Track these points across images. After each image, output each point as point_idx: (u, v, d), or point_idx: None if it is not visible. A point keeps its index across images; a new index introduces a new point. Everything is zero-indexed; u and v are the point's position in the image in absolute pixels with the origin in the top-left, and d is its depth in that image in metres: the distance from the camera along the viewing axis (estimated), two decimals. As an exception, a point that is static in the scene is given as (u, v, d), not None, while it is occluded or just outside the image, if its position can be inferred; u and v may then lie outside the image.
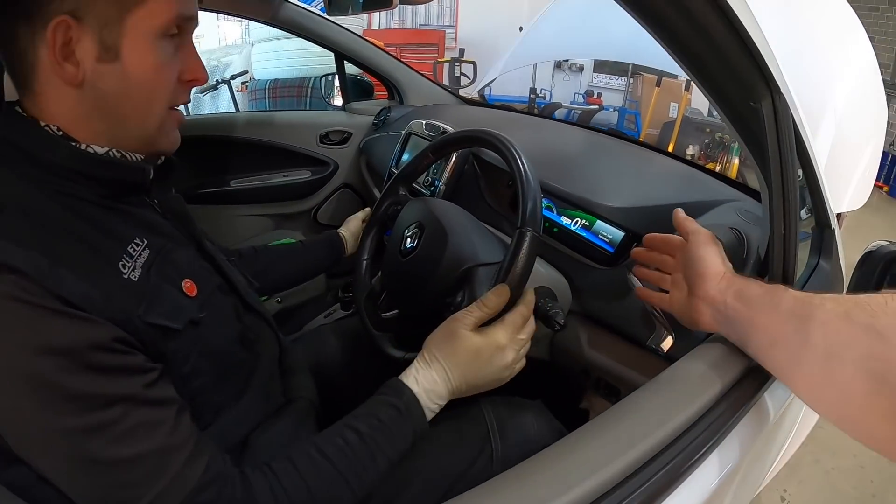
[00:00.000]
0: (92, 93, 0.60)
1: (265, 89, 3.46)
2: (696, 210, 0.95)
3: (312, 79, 3.21)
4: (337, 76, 2.09)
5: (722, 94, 0.66)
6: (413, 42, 5.40)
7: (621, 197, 1.03)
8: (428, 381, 0.70)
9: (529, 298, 0.74)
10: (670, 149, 3.56)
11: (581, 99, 4.77)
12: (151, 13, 0.60)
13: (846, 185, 1.07)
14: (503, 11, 5.08)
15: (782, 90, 0.65)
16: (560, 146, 1.35)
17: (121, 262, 0.58)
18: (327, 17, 1.85)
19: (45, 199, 0.56)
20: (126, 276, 0.57)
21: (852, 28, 1.22)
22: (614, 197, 1.03)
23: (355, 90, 2.15)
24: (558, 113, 4.04)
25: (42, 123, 0.60)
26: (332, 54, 1.99)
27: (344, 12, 1.30)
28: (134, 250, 0.60)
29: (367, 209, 1.30)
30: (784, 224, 0.70)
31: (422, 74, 2.08)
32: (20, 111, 0.61)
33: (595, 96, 4.61)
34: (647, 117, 3.90)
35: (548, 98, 5.00)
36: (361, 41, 1.97)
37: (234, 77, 3.70)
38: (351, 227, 1.24)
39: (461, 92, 2.16)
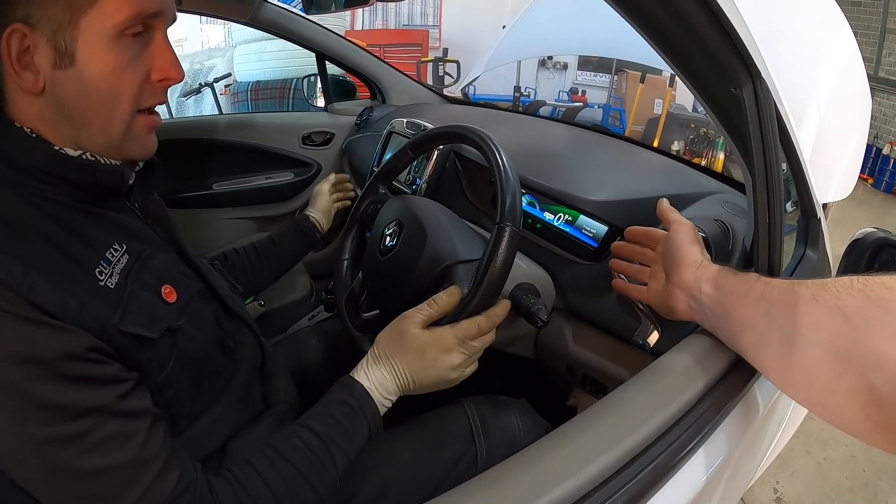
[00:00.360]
0: (53, 99, 0.58)
1: (247, 91, 3.43)
2: (680, 202, 0.94)
3: (295, 80, 3.19)
4: (319, 77, 2.07)
5: (702, 81, 0.65)
6: (396, 42, 5.38)
7: (604, 191, 1.02)
8: (377, 376, 0.69)
9: (497, 312, 0.72)
10: (655, 144, 3.57)
11: (566, 97, 4.78)
12: (105, 13, 0.57)
13: (831, 175, 1.07)
14: (486, 10, 5.08)
15: (763, 76, 0.64)
16: (543, 142, 1.34)
17: (97, 269, 0.56)
18: (308, 16, 1.83)
19: (20, 203, 0.55)
20: (103, 283, 0.56)
21: (836, 21, 1.22)
22: (597, 191, 1.02)
23: (337, 90, 2.12)
24: (543, 110, 4.04)
25: (17, 125, 0.58)
26: (314, 55, 1.97)
27: (323, 10, 1.28)
28: (112, 256, 0.58)
29: (331, 176, 1.32)
30: (769, 212, 0.69)
31: (404, 74, 2.06)
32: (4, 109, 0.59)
33: (580, 94, 4.61)
34: (632, 114, 3.91)
35: (532, 96, 4.99)
36: (343, 41, 1.95)
37: (217, 80, 3.66)
38: (319, 205, 1.24)
39: (445, 91, 2.15)
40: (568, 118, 3.96)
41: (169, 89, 0.67)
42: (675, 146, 3.71)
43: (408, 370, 0.69)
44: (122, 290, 0.57)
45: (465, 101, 2.16)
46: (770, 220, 0.69)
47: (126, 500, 0.51)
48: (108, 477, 0.51)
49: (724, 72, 0.62)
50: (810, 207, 0.95)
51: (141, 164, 0.69)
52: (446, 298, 0.71)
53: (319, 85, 2.12)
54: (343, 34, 2.05)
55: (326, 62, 1.99)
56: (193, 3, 1.65)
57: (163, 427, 0.57)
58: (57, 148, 0.59)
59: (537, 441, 0.56)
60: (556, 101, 4.79)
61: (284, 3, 1.87)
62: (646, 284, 0.80)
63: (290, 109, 3.20)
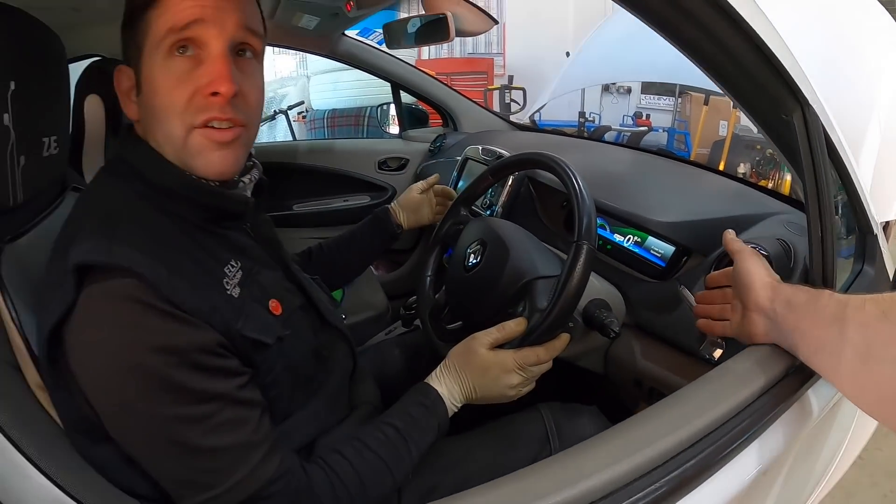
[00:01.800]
0: (142, 126, 0.68)
1: (324, 119, 3.64)
2: (744, 223, 0.99)
3: (369, 108, 3.36)
4: (393, 105, 2.22)
5: (755, 109, 0.72)
6: (463, 70, 5.53)
7: (671, 213, 1.08)
8: (448, 384, 0.79)
9: (556, 346, 0.81)
10: (721, 167, 3.54)
11: (630, 121, 4.79)
12: (155, 38, 0.63)
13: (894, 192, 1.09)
14: (549, 38, 5.17)
15: (811, 102, 0.70)
16: (611, 167, 1.41)
17: (224, 280, 0.65)
18: (383, 49, 1.98)
19: (159, 216, 0.64)
20: (228, 293, 0.65)
21: (893, 34, 1.24)
22: (664, 213, 1.08)
23: (411, 118, 2.26)
24: (608, 136, 4.06)
25: (152, 145, 0.67)
26: (389, 84, 2.12)
27: (401, 45, 1.41)
28: (230, 271, 0.67)
29: (433, 179, 1.26)
30: (821, 227, 0.74)
31: (474, 102, 2.17)
32: (135, 132, 0.69)
33: (644, 118, 4.61)
34: (697, 137, 3.90)
35: (597, 122, 5.02)
36: (416, 71, 2.09)
37: (290, 108, 3.89)
38: (403, 201, 1.23)
39: (512, 118, 2.25)
40: (633, 143, 3.97)
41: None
42: (742, 168, 3.66)
43: (472, 383, 0.79)
44: (243, 301, 0.66)
45: (533, 127, 2.25)
46: (822, 234, 0.74)
47: (235, 477, 0.60)
48: (223, 455, 0.60)
49: (773, 100, 0.68)
50: (866, 225, 0.98)
51: (251, 182, 0.77)
52: (514, 327, 0.81)
53: (393, 113, 2.25)
54: (413, 64, 2.18)
55: (400, 91, 2.13)
56: (279, 38, 1.83)
57: (268, 417, 0.66)
58: (188, 173, 0.66)
59: (605, 431, 0.62)
60: (620, 125, 4.80)
61: (362, 36, 2.02)
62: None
63: (364, 136, 3.37)
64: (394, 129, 2.31)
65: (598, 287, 1.06)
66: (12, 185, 0.64)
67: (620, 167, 1.42)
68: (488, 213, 1.40)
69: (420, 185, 1.24)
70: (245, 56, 0.68)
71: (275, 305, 0.72)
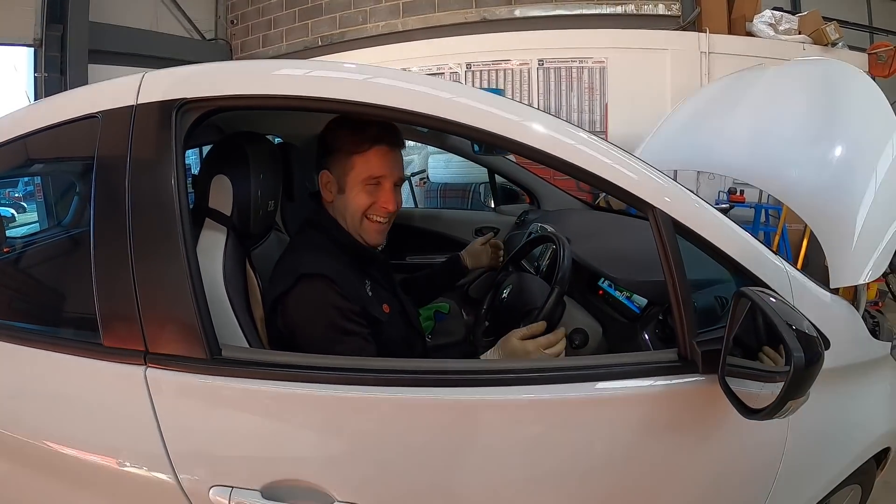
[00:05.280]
0: (335, 208, 1.30)
1: (438, 190, 4.30)
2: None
3: (473, 185, 3.98)
4: (490, 185, 2.80)
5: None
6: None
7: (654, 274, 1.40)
8: (490, 357, 1.24)
9: (559, 335, 1.23)
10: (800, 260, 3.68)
11: (725, 197, 4.95)
12: (358, 174, 1.24)
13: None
14: (650, 117, 5.50)
15: (656, 204, 1.02)
16: (631, 242, 1.78)
17: (366, 287, 1.26)
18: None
19: (338, 253, 1.26)
20: (366, 292, 1.25)
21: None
22: (647, 274, 1.43)
23: (504, 195, 2.82)
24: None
25: (338, 220, 1.29)
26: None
27: (488, 154, 1.99)
28: (367, 284, 1.28)
29: (483, 237, 1.92)
30: (677, 290, 1.03)
31: (554, 185, 2.68)
32: (324, 207, 1.32)
33: (738, 193, 4.76)
34: (784, 212, 4.07)
35: (693, 197, 5.15)
36: (505, 161, 2.65)
37: (414, 174, 4.60)
38: (469, 250, 1.87)
39: (601, 197, 2.73)
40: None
41: None
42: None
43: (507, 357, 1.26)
44: (371, 299, 1.26)
45: (607, 208, 2.65)
46: (679, 297, 1.03)
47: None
48: (359, 351, 1.15)
49: (633, 203, 1.10)
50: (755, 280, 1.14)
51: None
52: (535, 327, 1.25)
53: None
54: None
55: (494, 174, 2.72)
56: (410, 135, 2.46)
57: (374, 351, 1.19)
58: (354, 237, 1.29)
59: None
60: (716, 202, 4.96)
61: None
62: None
63: (468, 208, 3.97)
64: (491, 203, 2.89)
65: (580, 320, 1.50)
66: (253, 224, 1.27)
67: (637, 241, 1.71)
68: (534, 268, 1.89)
69: (481, 239, 1.90)
70: (396, 188, 1.31)
71: (385, 307, 1.31)
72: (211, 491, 0.95)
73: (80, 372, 1.01)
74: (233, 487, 0.95)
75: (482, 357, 1.25)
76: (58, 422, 1.02)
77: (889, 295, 4.37)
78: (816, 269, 1.24)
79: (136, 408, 0.96)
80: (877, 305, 3.59)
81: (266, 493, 0.95)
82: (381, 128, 1.25)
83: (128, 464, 0.99)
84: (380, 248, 1.37)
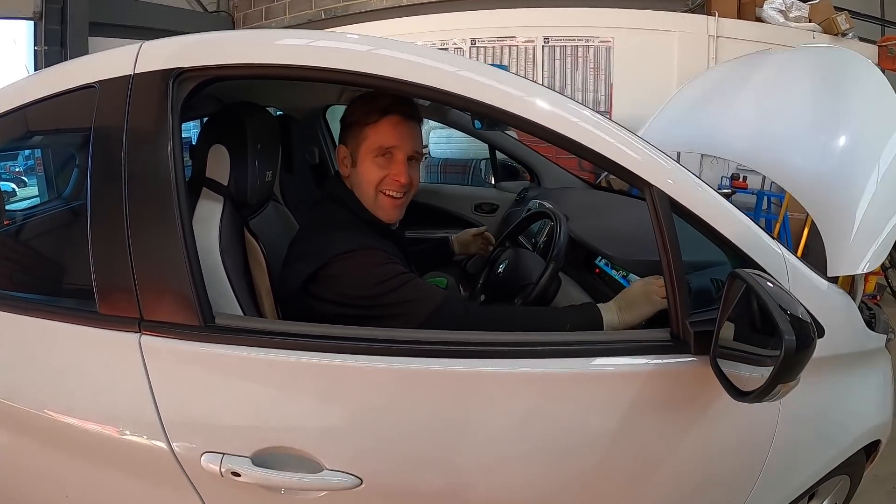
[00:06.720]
0: (351, 183, 1.29)
1: (438, 165, 4.28)
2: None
3: (474, 161, 3.97)
4: (490, 161, 2.78)
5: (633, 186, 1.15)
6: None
7: (646, 253, 1.42)
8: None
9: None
10: (801, 249, 3.67)
11: (728, 182, 4.94)
12: (369, 145, 1.23)
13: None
14: (655, 98, 5.46)
15: (654, 183, 1.03)
16: (629, 221, 1.80)
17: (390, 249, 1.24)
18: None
19: (361, 226, 1.25)
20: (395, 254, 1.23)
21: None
22: (641, 253, 1.45)
23: (504, 172, 2.81)
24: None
25: (356, 193, 1.27)
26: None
27: (489, 129, 1.96)
28: (390, 248, 1.25)
29: (483, 229, 1.95)
30: (671, 269, 1.04)
31: (555, 163, 2.67)
32: (343, 180, 1.30)
33: (741, 179, 4.75)
34: (786, 200, 4.05)
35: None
36: (507, 137, 2.65)
37: (414, 149, 4.58)
38: (459, 237, 1.91)
39: (602, 177, 2.73)
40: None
41: None
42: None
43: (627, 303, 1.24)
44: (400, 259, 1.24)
45: (606, 187, 2.66)
46: (673, 276, 1.04)
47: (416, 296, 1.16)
48: (411, 295, 1.15)
49: (631, 181, 1.05)
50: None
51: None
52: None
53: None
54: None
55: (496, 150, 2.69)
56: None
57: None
58: (373, 214, 1.26)
59: None
60: (719, 187, 4.97)
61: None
62: None
63: (468, 184, 3.95)
64: (492, 179, 2.87)
65: (577, 297, 1.50)
66: (250, 194, 1.27)
67: (636, 221, 1.73)
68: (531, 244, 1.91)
69: (473, 231, 1.94)
70: (412, 162, 1.28)
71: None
72: (202, 457, 0.96)
73: (76, 340, 1.02)
74: (224, 454, 0.95)
75: (601, 307, 1.23)
76: (55, 390, 1.03)
77: (888, 290, 4.36)
78: (817, 258, 1.24)
79: (130, 374, 0.97)
80: (875, 299, 3.58)
81: (256, 460, 0.95)
82: (395, 98, 1.23)
83: (123, 430, 0.99)
84: (394, 226, 1.36)
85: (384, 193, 1.26)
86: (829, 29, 4.62)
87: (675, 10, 4.97)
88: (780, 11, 4.71)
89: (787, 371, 0.86)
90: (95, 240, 1.00)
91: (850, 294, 1.35)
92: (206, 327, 0.96)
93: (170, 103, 0.99)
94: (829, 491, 1.57)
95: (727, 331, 1.00)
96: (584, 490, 1.11)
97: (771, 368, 0.88)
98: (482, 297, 1.59)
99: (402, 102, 1.25)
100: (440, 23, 5.03)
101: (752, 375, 0.94)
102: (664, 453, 1.13)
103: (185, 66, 1.01)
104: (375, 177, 1.24)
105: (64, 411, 1.01)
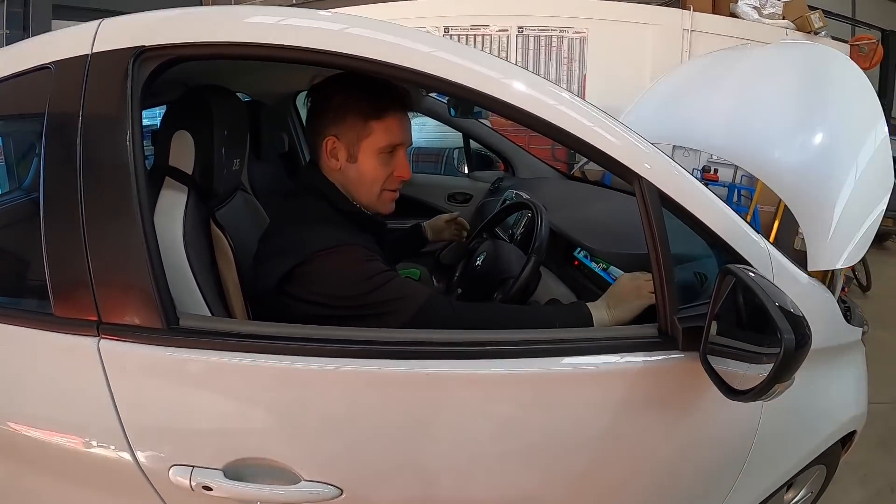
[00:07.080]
0: (342, 176, 1.21)
1: (411, 154, 4.19)
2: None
3: (447, 150, 3.90)
4: (464, 150, 2.72)
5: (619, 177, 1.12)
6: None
7: (627, 246, 1.41)
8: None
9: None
10: (773, 234, 3.70)
11: (699, 175, 4.99)
12: (375, 141, 1.16)
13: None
14: (628, 89, 5.48)
15: (643, 175, 0.99)
16: (606, 213, 1.80)
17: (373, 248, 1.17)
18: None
19: (342, 220, 1.18)
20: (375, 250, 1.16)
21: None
22: (623, 246, 1.43)
23: (478, 161, 2.75)
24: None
25: (338, 187, 1.19)
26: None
27: (464, 117, 1.91)
28: (369, 243, 1.19)
29: (456, 214, 1.86)
30: (660, 261, 1.01)
31: (528, 153, 2.64)
32: (322, 172, 1.20)
33: (712, 172, 4.80)
34: (757, 193, 4.09)
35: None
36: (482, 126, 2.59)
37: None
38: (432, 224, 1.84)
39: (576, 167, 2.69)
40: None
41: None
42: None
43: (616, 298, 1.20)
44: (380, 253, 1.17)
45: (581, 178, 2.65)
46: (661, 267, 1.01)
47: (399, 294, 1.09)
48: (390, 290, 1.08)
49: (621, 173, 1.02)
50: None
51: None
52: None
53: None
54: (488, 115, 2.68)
55: (469, 140, 2.64)
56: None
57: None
58: (356, 205, 1.20)
59: None
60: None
61: (439, 98, 2.52)
62: None
63: (441, 173, 3.90)
64: (465, 169, 2.81)
65: (557, 291, 1.48)
66: (216, 183, 1.19)
67: (615, 212, 1.78)
68: (509, 236, 1.86)
69: (446, 216, 1.85)
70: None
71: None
72: (171, 470, 0.90)
73: (32, 345, 0.94)
74: (193, 467, 0.89)
75: (591, 305, 1.18)
76: (11, 399, 0.95)
77: (854, 281, 4.48)
78: (786, 252, 1.23)
79: (89, 382, 0.89)
80: (843, 291, 3.67)
81: (229, 472, 0.90)
82: (398, 90, 1.18)
83: (86, 443, 0.93)
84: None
85: (388, 190, 1.22)
86: (803, 27, 4.67)
87: (651, 3, 4.99)
88: (755, 8, 4.76)
89: (785, 370, 0.85)
90: (49, 234, 0.92)
91: (829, 287, 1.35)
92: (170, 330, 0.89)
93: (130, 85, 0.91)
94: (806, 480, 1.59)
95: (716, 327, 0.98)
96: (572, 489, 1.08)
97: (767, 366, 0.86)
98: (459, 291, 1.54)
99: (404, 93, 1.19)
100: (413, 10, 4.91)
101: (746, 373, 0.92)
102: (651, 449, 1.11)
103: (147, 44, 0.93)
104: (382, 174, 1.19)
105: (22, 422, 0.94)
